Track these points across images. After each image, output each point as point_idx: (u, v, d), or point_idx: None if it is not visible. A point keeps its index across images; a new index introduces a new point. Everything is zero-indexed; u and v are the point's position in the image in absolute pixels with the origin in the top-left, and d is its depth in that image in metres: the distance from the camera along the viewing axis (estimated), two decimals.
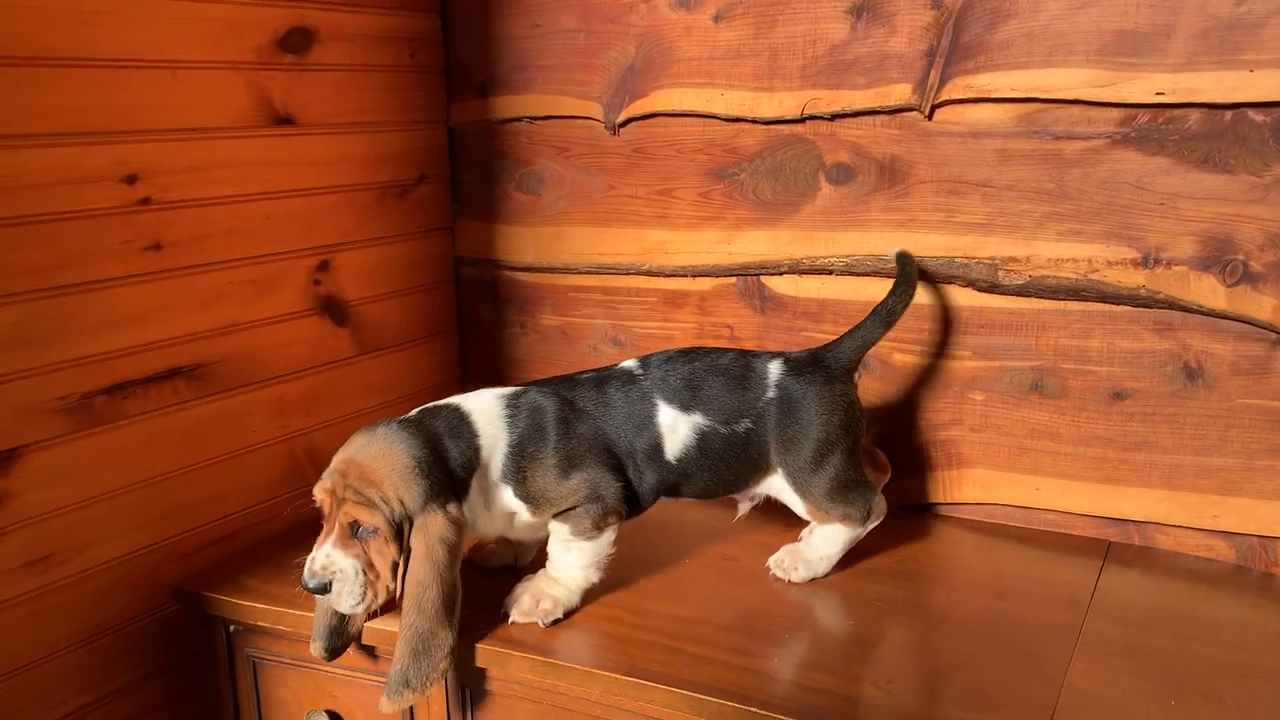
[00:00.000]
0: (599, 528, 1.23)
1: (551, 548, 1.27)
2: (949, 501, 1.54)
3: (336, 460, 1.17)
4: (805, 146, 1.54)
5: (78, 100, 1.26)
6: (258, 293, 1.52)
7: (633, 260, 1.71)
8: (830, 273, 1.55)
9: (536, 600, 1.24)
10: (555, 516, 1.24)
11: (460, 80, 1.79)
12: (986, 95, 1.40)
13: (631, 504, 1.27)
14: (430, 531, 1.13)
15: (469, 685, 1.24)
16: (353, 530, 1.14)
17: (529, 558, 1.39)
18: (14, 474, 1.24)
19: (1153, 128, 1.33)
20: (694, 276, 1.67)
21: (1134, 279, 1.37)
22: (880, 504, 1.34)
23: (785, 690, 1.09)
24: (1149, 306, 1.37)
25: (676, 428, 1.27)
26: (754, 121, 1.56)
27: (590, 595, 1.28)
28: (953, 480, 1.53)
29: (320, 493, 1.16)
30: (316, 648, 1.22)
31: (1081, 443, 1.44)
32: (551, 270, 1.79)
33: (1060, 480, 1.46)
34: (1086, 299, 1.40)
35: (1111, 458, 1.42)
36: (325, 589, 1.14)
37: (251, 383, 1.53)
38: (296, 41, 1.53)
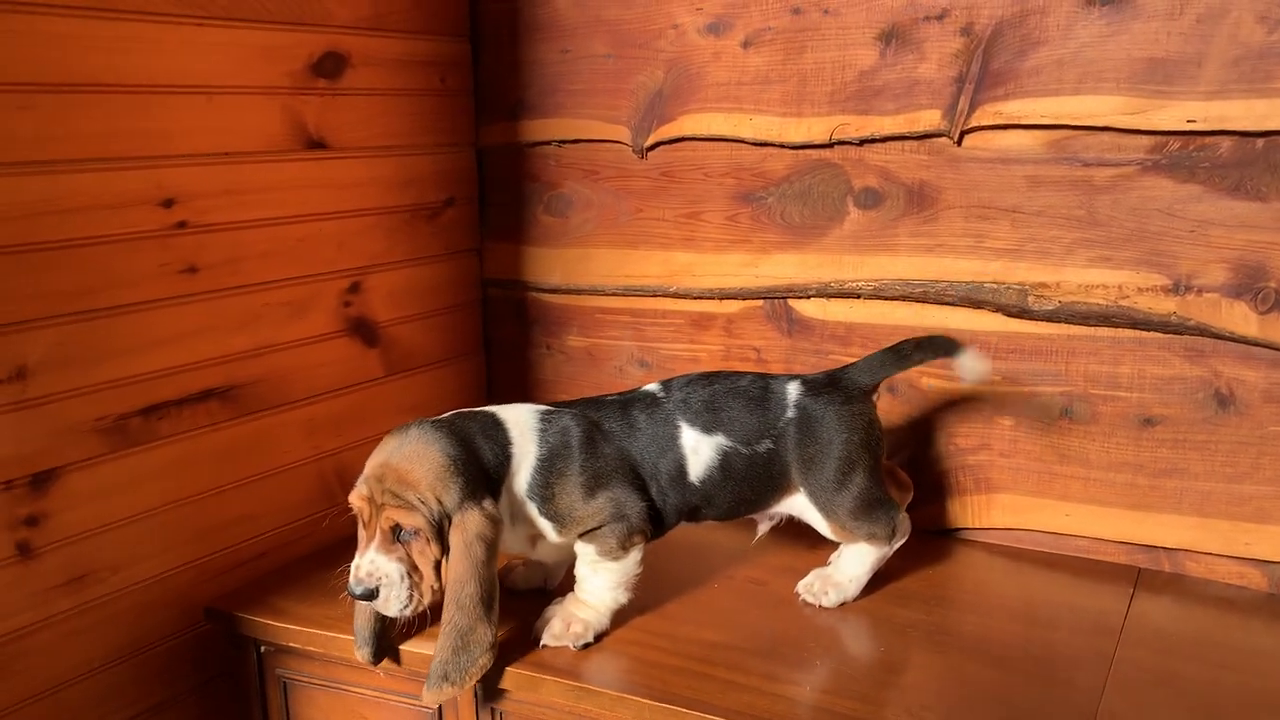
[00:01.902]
0: (625, 548, 1.24)
1: (579, 570, 1.28)
2: (977, 527, 1.54)
3: (371, 466, 1.18)
4: (833, 171, 1.55)
5: (116, 125, 1.29)
6: (290, 314, 1.53)
7: (660, 282, 1.72)
8: (858, 296, 1.56)
9: (567, 623, 1.24)
10: (581, 537, 1.24)
11: (489, 104, 1.81)
12: (1016, 122, 1.41)
13: (656, 524, 1.28)
14: (468, 529, 1.14)
15: (499, 708, 1.24)
16: (394, 534, 1.16)
17: (558, 579, 1.39)
18: (52, 494, 1.26)
19: (1184, 155, 1.33)
20: (721, 299, 1.68)
21: (1165, 305, 1.37)
22: (905, 522, 1.34)
23: (818, 717, 1.09)
24: (1180, 333, 1.37)
25: (699, 449, 1.28)
26: (782, 146, 1.57)
27: (619, 618, 1.28)
28: (981, 505, 1.53)
29: (357, 500, 1.17)
30: (363, 653, 1.23)
31: (1111, 469, 1.43)
32: (578, 292, 1.80)
33: (1090, 506, 1.45)
34: (1117, 325, 1.40)
35: (1142, 484, 1.42)
36: (372, 595, 1.15)
37: (283, 403, 1.54)
38: (330, 66, 1.55)
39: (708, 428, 1.29)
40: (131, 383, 1.34)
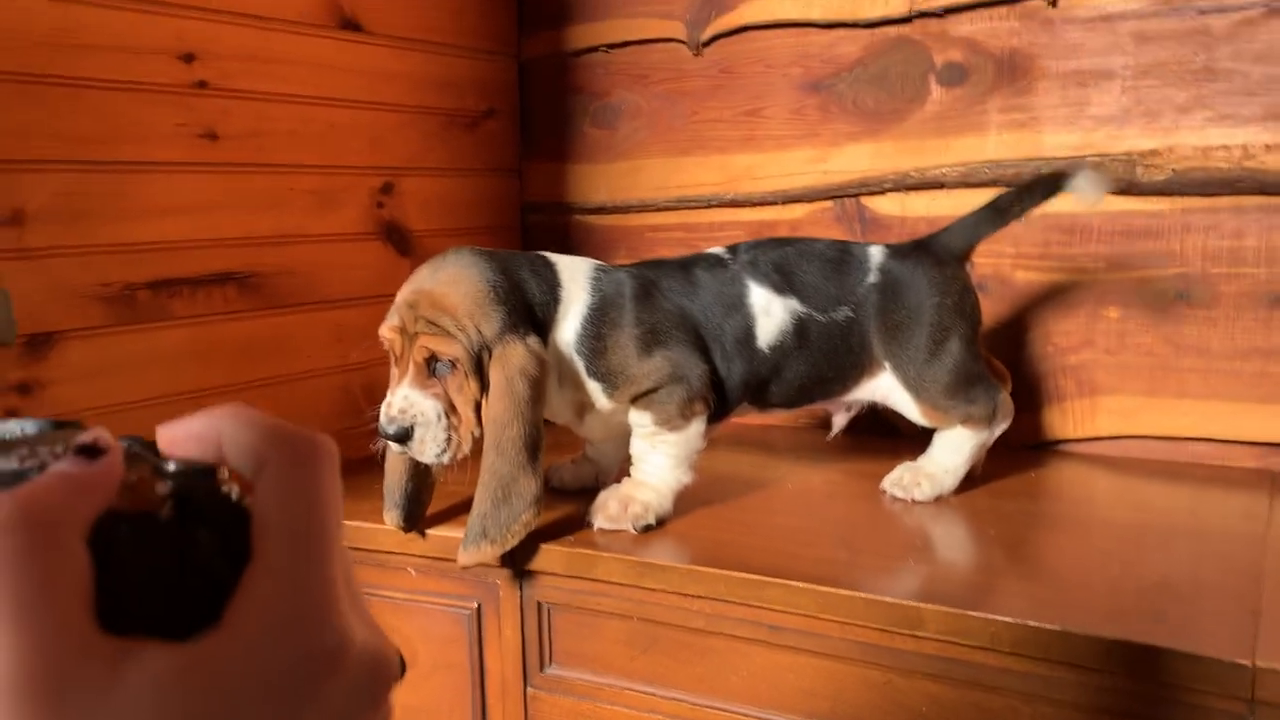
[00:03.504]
0: (685, 416, 1.08)
1: (635, 448, 1.12)
2: (1080, 438, 1.37)
3: (403, 294, 1.04)
4: (913, 49, 1.41)
5: None
6: (318, 204, 1.41)
7: (716, 190, 1.58)
8: (941, 185, 1.41)
9: (625, 504, 1.08)
10: (634, 402, 1.09)
11: (533, 11, 1.70)
12: None
13: (718, 396, 1.12)
14: (510, 363, 0.99)
15: (546, 602, 1.08)
16: (429, 368, 1.01)
17: (611, 477, 1.23)
18: (50, 361, 1.12)
19: None
20: (784, 203, 1.53)
21: None
22: (1007, 403, 1.17)
23: (930, 587, 0.92)
24: None
25: (770, 310, 1.12)
26: (855, 25, 1.44)
27: (682, 503, 1.12)
28: (1084, 411, 1.36)
29: (388, 331, 1.03)
30: (392, 517, 1.08)
31: (1237, 357, 1.26)
32: (626, 209, 1.66)
33: (1212, 403, 1.28)
34: (1240, 191, 1.24)
35: (1274, 372, 1.25)
36: (406, 435, 1.00)
37: (308, 302, 1.41)
38: None
39: (779, 289, 1.13)
40: (142, 250, 1.21)
